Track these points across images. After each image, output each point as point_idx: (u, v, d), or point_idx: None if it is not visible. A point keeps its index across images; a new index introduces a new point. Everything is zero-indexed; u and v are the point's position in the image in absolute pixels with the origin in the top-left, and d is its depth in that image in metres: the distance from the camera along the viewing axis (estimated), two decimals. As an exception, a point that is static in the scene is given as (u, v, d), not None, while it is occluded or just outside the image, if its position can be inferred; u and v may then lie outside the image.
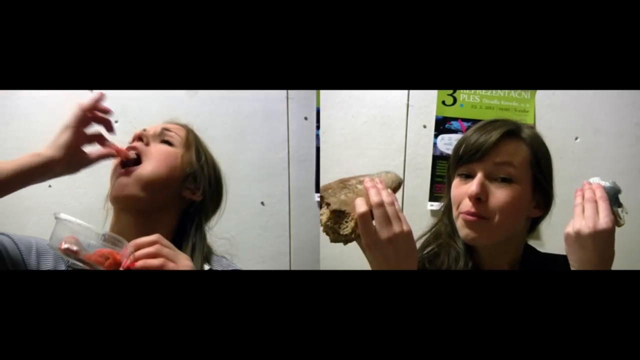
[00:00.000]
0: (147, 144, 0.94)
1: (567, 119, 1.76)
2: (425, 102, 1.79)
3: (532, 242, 1.05)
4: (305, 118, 1.87)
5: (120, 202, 0.91)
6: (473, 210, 0.90)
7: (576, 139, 1.75)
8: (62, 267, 0.87)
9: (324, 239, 0.74)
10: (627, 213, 0.85)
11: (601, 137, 1.75)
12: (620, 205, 0.86)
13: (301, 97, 1.86)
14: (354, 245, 0.76)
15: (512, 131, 0.94)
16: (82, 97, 0.87)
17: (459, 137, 1.74)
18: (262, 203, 1.85)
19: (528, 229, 1.00)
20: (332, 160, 1.83)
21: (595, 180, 0.88)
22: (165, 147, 0.95)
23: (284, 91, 1.85)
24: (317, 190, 1.83)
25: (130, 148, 0.93)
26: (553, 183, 0.98)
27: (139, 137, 0.94)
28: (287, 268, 1.86)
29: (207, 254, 0.97)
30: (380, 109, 1.80)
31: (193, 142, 0.99)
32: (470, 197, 0.90)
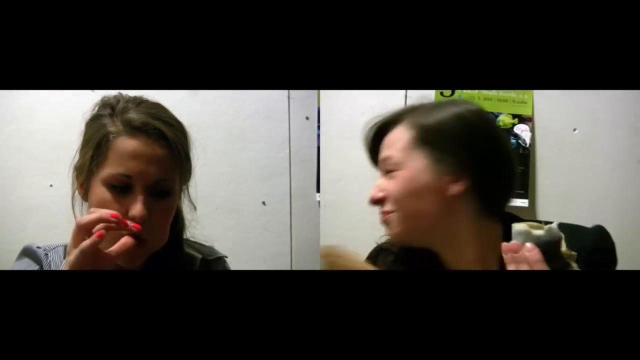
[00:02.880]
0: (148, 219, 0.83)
1: (566, 110, 1.75)
2: (424, 92, 1.78)
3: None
4: (307, 118, 1.87)
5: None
6: (382, 209, 0.92)
7: (574, 130, 1.74)
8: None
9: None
10: (575, 262, 0.73)
11: (599, 128, 1.74)
12: (559, 256, 0.71)
13: (302, 97, 1.86)
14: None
15: (384, 124, 0.94)
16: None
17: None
18: (263, 203, 1.85)
19: (492, 210, 0.89)
20: (331, 151, 1.82)
21: (521, 232, 0.72)
22: (163, 206, 0.86)
23: (285, 91, 1.85)
24: (318, 190, 1.83)
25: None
26: (472, 149, 0.86)
27: (142, 219, 0.82)
28: (288, 268, 1.86)
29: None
30: (378, 100, 1.80)
31: (183, 160, 0.88)
32: (371, 202, 0.94)
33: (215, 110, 1.79)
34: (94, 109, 0.89)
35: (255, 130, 1.83)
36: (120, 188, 0.82)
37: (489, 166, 0.86)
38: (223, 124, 1.80)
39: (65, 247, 0.92)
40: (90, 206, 0.85)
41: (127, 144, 0.82)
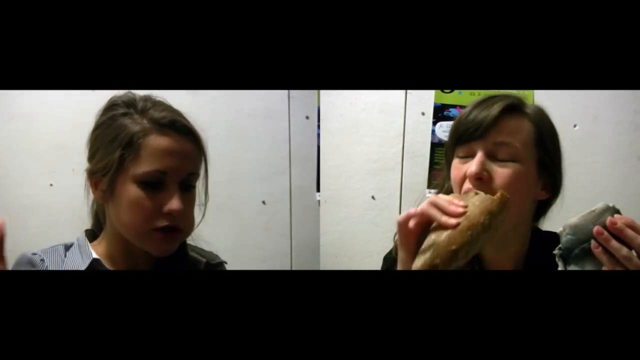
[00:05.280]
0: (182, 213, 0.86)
1: (566, 106, 1.75)
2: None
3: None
4: (307, 117, 1.87)
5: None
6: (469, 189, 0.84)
7: (575, 126, 1.74)
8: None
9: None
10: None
11: (600, 124, 1.74)
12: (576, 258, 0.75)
13: (302, 96, 1.87)
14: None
15: (513, 106, 0.88)
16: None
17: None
18: (264, 202, 1.86)
19: (535, 214, 0.95)
20: (331, 147, 1.83)
21: (608, 209, 0.74)
22: (191, 197, 0.89)
23: (285, 90, 1.86)
24: (318, 189, 1.84)
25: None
26: (562, 163, 0.93)
27: (180, 213, 0.85)
28: (288, 267, 1.86)
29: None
30: (379, 96, 1.80)
31: (204, 155, 0.93)
32: (470, 177, 0.85)
33: (216, 109, 1.80)
34: (105, 111, 0.89)
35: (255, 129, 1.84)
36: (153, 184, 0.83)
37: (559, 183, 0.92)
38: (223, 124, 1.81)
39: (65, 246, 0.92)
40: (117, 205, 0.85)
41: (160, 141, 0.84)
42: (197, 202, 0.94)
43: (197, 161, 0.90)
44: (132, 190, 0.83)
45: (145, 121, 0.85)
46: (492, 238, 0.75)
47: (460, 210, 0.73)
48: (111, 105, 0.89)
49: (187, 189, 0.87)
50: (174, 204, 0.83)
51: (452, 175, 0.91)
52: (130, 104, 0.88)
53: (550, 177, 0.91)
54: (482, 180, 0.84)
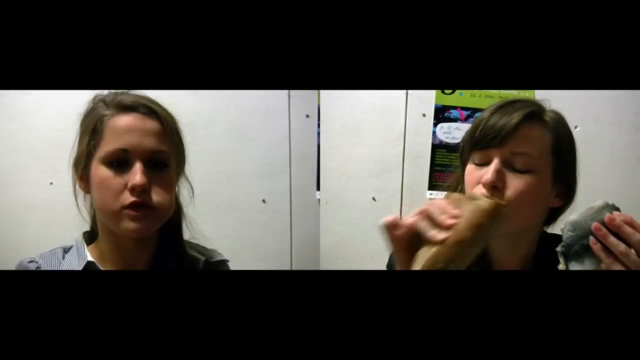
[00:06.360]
0: (150, 188, 0.86)
1: (567, 107, 1.75)
2: (425, 90, 1.79)
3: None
4: (307, 116, 1.87)
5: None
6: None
7: (576, 127, 1.74)
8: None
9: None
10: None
11: (601, 125, 1.74)
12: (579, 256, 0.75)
13: (302, 95, 1.87)
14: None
15: (534, 113, 0.87)
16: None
17: (459, 125, 1.75)
18: (264, 201, 1.86)
19: (547, 219, 0.94)
20: (332, 148, 1.83)
21: (607, 206, 0.75)
22: (164, 177, 0.88)
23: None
24: (318, 188, 1.84)
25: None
26: (577, 170, 0.93)
27: (142, 187, 0.84)
28: (288, 266, 1.86)
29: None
30: (380, 98, 1.80)
31: (175, 137, 0.92)
32: (485, 185, 0.84)
33: (216, 108, 1.80)
34: (85, 108, 0.92)
35: (255, 128, 1.84)
36: (119, 163, 0.85)
37: (573, 191, 0.92)
38: (223, 122, 1.81)
39: (64, 249, 0.92)
40: (92, 191, 0.87)
41: (120, 120, 0.86)
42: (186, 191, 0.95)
43: (162, 140, 0.88)
44: (99, 172, 0.85)
45: (111, 107, 0.88)
46: (485, 245, 0.75)
47: (450, 222, 0.68)
48: (90, 103, 0.92)
49: (157, 167, 0.87)
50: (135, 178, 0.83)
51: (465, 179, 0.90)
52: (103, 98, 0.90)
53: (565, 185, 0.90)
54: (496, 188, 0.84)
